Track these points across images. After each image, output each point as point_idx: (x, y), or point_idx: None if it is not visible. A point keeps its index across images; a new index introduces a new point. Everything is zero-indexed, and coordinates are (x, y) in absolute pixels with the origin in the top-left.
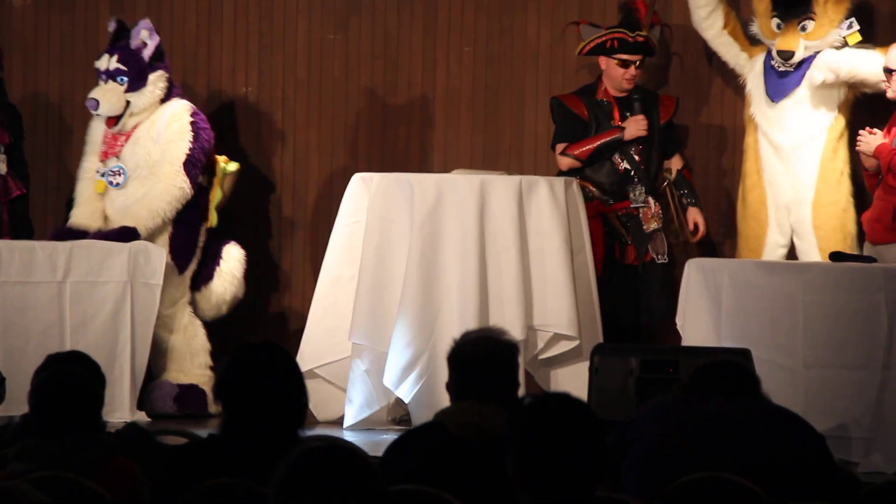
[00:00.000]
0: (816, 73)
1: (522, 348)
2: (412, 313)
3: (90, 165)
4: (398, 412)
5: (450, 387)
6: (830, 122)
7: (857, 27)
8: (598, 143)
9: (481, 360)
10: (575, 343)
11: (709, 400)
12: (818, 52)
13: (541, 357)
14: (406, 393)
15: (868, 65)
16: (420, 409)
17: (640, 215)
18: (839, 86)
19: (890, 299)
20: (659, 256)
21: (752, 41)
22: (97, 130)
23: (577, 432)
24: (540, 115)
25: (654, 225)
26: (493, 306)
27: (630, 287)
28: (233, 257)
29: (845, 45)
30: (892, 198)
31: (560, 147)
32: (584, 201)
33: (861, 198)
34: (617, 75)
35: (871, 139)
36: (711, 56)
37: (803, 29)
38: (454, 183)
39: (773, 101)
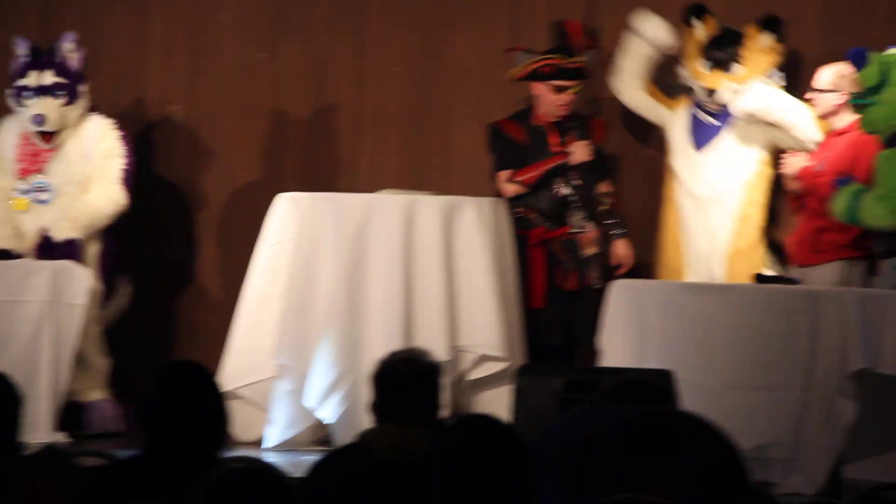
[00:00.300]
0: (746, 102)
1: (448, 369)
2: (337, 333)
3: (4, 184)
4: (322, 433)
5: (373, 408)
6: (750, 175)
7: (783, 82)
8: (544, 169)
9: (404, 380)
10: (504, 364)
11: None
12: (747, 116)
13: (467, 378)
14: (329, 414)
15: (798, 115)
16: (343, 430)
17: (580, 241)
18: (762, 132)
19: (811, 321)
20: (596, 282)
21: (669, 93)
22: (7, 147)
23: (500, 453)
24: (469, 136)
25: (592, 250)
26: (419, 327)
27: (569, 312)
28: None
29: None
30: (815, 220)
31: (504, 174)
32: (526, 228)
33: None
34: (552, 101)
35: (795, 163)
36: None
37: (730, 71)
38: (381, 203)
39: (697, 149)
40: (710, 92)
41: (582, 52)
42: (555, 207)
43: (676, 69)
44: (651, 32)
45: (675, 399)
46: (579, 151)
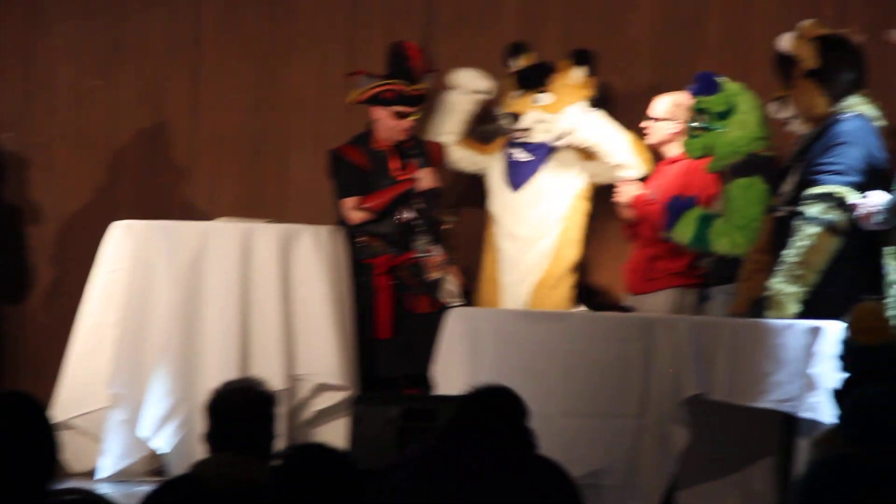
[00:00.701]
0: (563, 124)
1: (286, 398)
2: (172, 362)
3: None
4: (156, 463)
5: (207, 437)
6: (566, 210)
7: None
8: (392, 195)
9: (239, 410)
10: (344, 393)
11: (465, 449)
12: (558, 137)
13: (305, 407)
14: (163, 444)
15: (612, 140)
16: (178, 460)
17: (425, 265)
18: (577, 166)
19: (645, 348)
20: (453, 301)
21: (484, 139)
22: None
23: (335, 483)
24: (306, 164)
25: (437, 274)
26: (256, 355)
27: (426, 337)
28: None
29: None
30: (649, 249)
31: (350, 202)
32: (372, 257)
33: None
34: (392, 126)
35: (628, 191)
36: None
37: (538, 101)
38: (217, 231)
39: (513, 189)
40: (517, 116)
41: (422, 76)
42: (399, 233)
43: (491, 112)
44: (467, 83)
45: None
46: (426, 178)
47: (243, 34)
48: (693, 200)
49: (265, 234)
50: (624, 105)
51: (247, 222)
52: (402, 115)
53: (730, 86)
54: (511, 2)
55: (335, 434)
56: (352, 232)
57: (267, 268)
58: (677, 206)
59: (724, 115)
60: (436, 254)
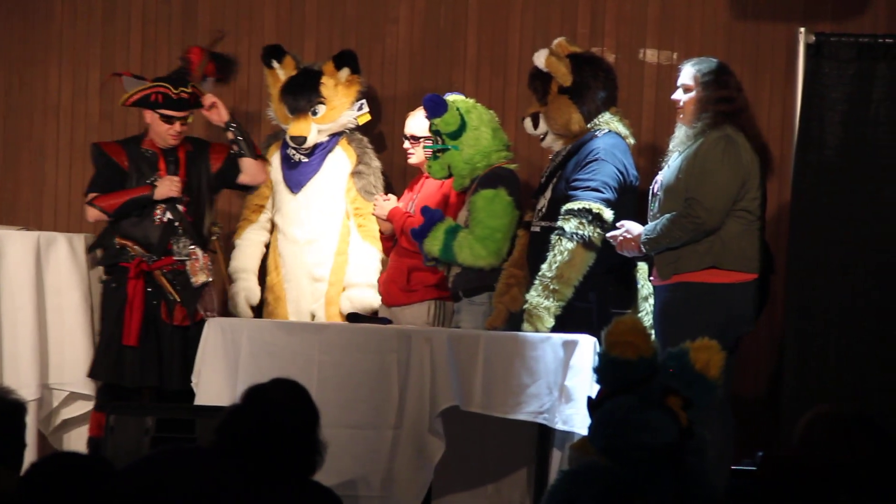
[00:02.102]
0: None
1: (36, 407)
2: None
3: None
4: None
5: None
6: (347, 208)
7: (366, 109)
8: (126, 198)
9: None
10: (90, 403)
11: (231, 468)
12: (334, 136)
13: (57, 416)
14: None
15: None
16: None
17: (188, 269)
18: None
19: (402, 360)
20: (208, 313)
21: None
22: None
23: (88, 491)
24: (61, 170)
25: (203, 278)
26: (8, 365)
27: (179, 349)
28: None
29: (357, 126)
30: (406, 260)
31: (90, 196)
32: (125, 260)
33: None
34: (161, 130)
35: (385, 205)
36: None
37: (315, 113)
38: None
39: (293, 192)
40: (301, 140)
41: (199, 80)
42: (158, 235)
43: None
44: None
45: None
46: (164, 187)
47: None
48: (442, 213)
49: (18, 242)
50: (383, 117)
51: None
52: (169, 119)
53: (460, 103)
54: (269, 14)
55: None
56: (108, 233)
57: (20, 276)
58: (431, 216)
59: (456, 135)
60: (198, 258)
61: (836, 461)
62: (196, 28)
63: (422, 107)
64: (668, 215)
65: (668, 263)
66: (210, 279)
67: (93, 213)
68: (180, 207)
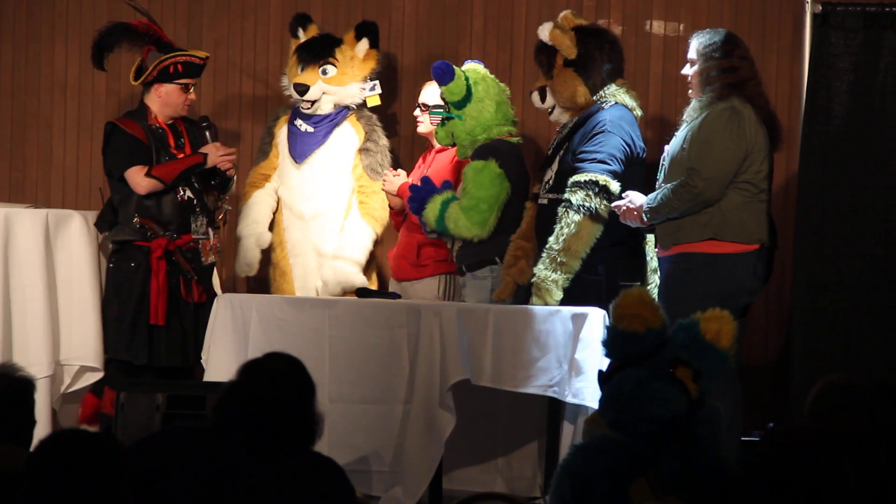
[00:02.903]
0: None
1: (49, 384)
2: None
3: None
4: None
5: None
6: (353, 184)
7: (378, 91)
8: (184, 166)
9: None
10: (100, 374)
11: (232, 444)
12: (344, 109)
13: (68, 391)
14: None
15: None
16: None
17: (200, 247)
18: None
19: (412, 334)
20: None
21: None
22: None
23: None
24: (68, 147)
25: (212, 258)
26: (18, 342)
27: (199, 326)
28: None
29: (364, 103)
30: (416, 235)
31: (137, 169)
32: (147, 239)
33: None
34: (180, 101)
35: (396, 180)
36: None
37: (324, 73)
38: None
39: (297, 162)
40: (303, 88)
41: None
42: (178, 213)
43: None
44: None
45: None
46: (213, 154)
47: (1, 16)
48: (442, 185)
49: (27, 219)
50: (388, 90)
51: (8, 207)
52: (186, 88)
53: (471, 73)
54: None
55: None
56: (126, 212)
57: (29, 253)
58: (422, 191)
59: (461, 104)
60: (212, 237)
61: (843, 430)
62: (203, 6)
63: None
64: (669, 185)
65: (669, 234)
66: (217, 260)
67: (148, 183)
68: (196, 185)
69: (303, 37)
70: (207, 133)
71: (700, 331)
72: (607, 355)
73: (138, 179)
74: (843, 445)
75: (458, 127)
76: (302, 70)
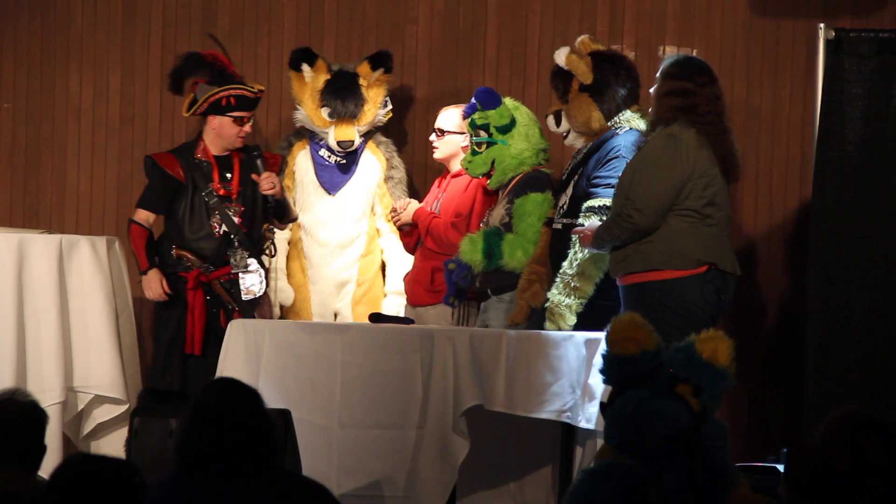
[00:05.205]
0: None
1: (61, 410)
2: None
3: None
4: None
5: None
6: (380, 211)
7: (390, 106)
8: (136, 254)
9: (6, 423)
10: (123, 406)
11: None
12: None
13: (87, 420)
14: None
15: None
16: None
17: (241, 285)
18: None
19: (425, 360)
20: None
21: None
22: None
23: (113, 495)
24: (82, 173)
25: (250, 296)
26: (32, 368)
27: None
28: None
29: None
30: (431, 261)
31: (138, 213)
32: (184, 270)
33: None
34: (233, 133)
35: (409, 209)
36: None
37: (354, 116)
38: None
39: (331, 193)
40: (349, 144)
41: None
42: (215, 247)
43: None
44: None
45: (293, 438)
46: (267, 182)
47: (16, 42)
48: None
49: (40, 245)
50: (402, 117)
51: (21, 233)
52: (240, 121)
53: (506, 100)
54: (289, 14)
55: (112, 447)
56: (165, 243)
57: (43, 279)
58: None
59: (506, 129)
60: (253, 269)
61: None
62: (216, 31)
63: (454, 104)
64: (612, 214)
65: (617, 262)
66: (261, 293)
67: (133, 227)
68: (235, 219)
69: (307, 72)
70: (259, 162)
71: (696, 350)
72: (606, 382)
73: (135, 218)
74: (858, 477)
75: (503, 152)
76: (338, 120)
